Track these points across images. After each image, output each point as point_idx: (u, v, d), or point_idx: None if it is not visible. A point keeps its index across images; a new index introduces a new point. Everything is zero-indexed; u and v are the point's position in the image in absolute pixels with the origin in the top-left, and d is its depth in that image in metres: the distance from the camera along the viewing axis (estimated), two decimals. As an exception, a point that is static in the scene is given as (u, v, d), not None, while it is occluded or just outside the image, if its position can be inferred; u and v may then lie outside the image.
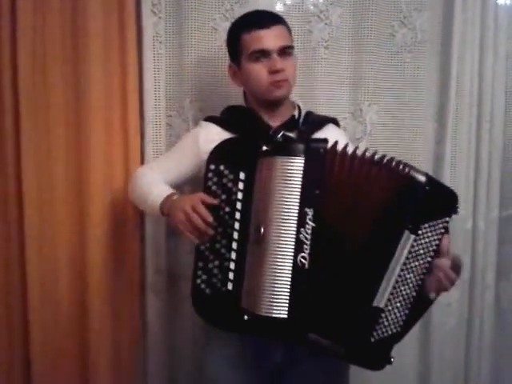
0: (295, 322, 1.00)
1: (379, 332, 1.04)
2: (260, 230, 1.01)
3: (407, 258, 1.03)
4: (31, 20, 1.33)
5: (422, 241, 1.03)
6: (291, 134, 1.18)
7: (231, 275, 1.07)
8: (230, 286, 1.07)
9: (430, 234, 1.03)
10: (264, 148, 1.05)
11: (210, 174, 1.08)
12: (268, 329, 1.03)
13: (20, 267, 1.38)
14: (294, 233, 0.99)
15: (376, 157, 1.04)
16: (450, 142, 1.57)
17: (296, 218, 0.99)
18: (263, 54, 1.16)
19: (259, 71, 1.16)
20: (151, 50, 1.43)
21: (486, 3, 1.58)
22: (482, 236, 1.60)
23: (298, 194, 1.00)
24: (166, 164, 1.27)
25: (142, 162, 1.45)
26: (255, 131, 1.18)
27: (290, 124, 1.22)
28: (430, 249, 1.04)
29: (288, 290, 0.99)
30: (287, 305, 0.99)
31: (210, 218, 1.04)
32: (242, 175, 1.07)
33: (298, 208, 0.99)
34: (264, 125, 1.20)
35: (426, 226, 1.03)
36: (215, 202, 1.06)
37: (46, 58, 1.36)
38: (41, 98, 1.35)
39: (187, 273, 1.49)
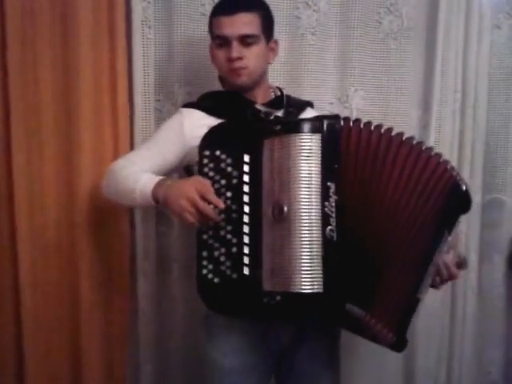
0: (331, 295, 0.95)
1: (412, 319, 1.04)
2: (282, 208, 0.97)
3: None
4: (19, 8, 1.29)
5: (448, 238, 1.04)
6: (280, 114, 1.17)
7: (246, 259, 1.01)
8: (246, 271, 1.00)
9: (452, 232, 1.05)
10: (278, 127, 1.02)
11: (206, 160, 1.04)
12: (300, 306, 0.97)
13: (10, 264, 1.35)
14: (319, 207, 0.96)
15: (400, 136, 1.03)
16: (434, 127, 1.57)
17: (319, 192, 0.97)
18: (224, 40, 1.14)
19: (220, 57, 1.16)
20: (140, 34, 1.40)
21: (471, -8, 1.57)
22: (466, 219, 1.59)
23: (319, 169, 0.98)
24: (149, 154, 1.17)
25: (132, 146, 1.42)
26: (243, 112, 1.14)
27: (276, 103, 1.21)
28: (449, 245, 1.05)
29: (320, 264, 0.95)
30: (321, 278, 0.95)
31: (222, 204, 0.99)
32: (246, 158, 1.03)
33: (320, 183, 0.97)
34: (248, 102, 1.18)
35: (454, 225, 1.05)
36: (211, 189, 1.00)
37: (35, 44, 1.31)
38: (30, 83, 1.31)
39: (177, 255, 1.49)
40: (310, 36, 1.52)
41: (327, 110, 1.53)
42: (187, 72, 1.45)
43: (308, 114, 1.26)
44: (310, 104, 1.32)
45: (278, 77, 1.52)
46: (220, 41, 1.16)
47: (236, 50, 1.13)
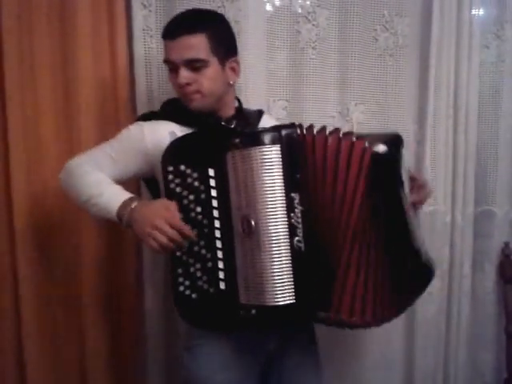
0: (303, 305, 0.96)
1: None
2: (250, 222, 0.95)
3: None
4: (16, 21, 1.20)
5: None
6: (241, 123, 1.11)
7: (221, 274, 0.99)
8: (222, 286, 0.99)
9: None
10: (237, 140, 0.97)
11: (171, 176, 0.98)
12: (275, 318, 0.97)
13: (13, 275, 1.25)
14: (286, 219, 0.95)
15: (341, 132, 0.99)
16: (430, 142, 1.57)
17: (284, 204, 0.95)
18: (172, 65, 1.07)
19: (172, 81, 1.09)
20: (141, 43, 1.33)
21: (462, 13, 1.57)
22: (460, 229, 1.61)
23: (282, 180, 0.95)
24: (110, 160, 1.08)
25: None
26: (206, 122, 1.08)
27: (237, 116, 1.14)
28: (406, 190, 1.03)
29: (291, 275, 0.95)
30: (293, 289, 0.95)
31: (191, 233, 0.97)
32: (211, 172, 0.99)
33: (284, 195, 0.95)
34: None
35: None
36: (179, 214, 0.97)
37: (34, 54, 1.23)
38: (28, 96, 1.23)
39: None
40: (310, 50, 1.49)
41: (329, 124, 1.50)
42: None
43: (266, 120, 1.19)
44: (261, 112, 1.23)
45: (280, 90, 1.49)
46: (169, 65, 1.07)
47: (183, 75, 1.04)
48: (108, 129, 1.30)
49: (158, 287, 1.39)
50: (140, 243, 1.36)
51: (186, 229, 0.96)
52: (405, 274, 1.01)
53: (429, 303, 1.60)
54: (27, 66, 1.22)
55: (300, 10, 1.52)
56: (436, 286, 1.58)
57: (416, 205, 1.13)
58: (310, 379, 1.15)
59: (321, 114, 1.50)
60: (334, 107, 1.53)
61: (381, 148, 0.97)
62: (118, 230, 1.32)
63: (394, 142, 1.01)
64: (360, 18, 1.53)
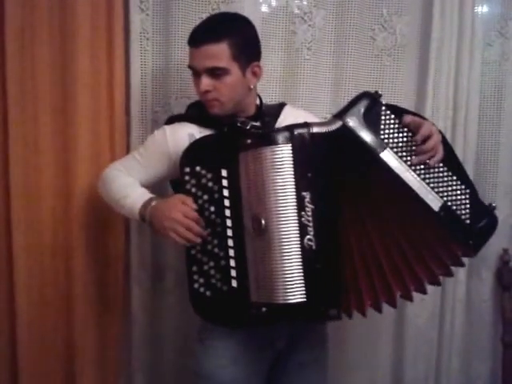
0: (314, 303, 0.96)
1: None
2: (260, 221, 0.96)
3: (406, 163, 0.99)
4: (19, 21, 1.26)
5: (397, 144, 1.00)
6: (257, 124, 1.13)
7: (233, 272, 1.01)
8: (234, 284, 1.01)
9: (393, 135, 1.01)
10: (248, 141, 1.00)
11: (187, 177, 1.02)
12: (286, 316, 0.99)
13: (7, 268, 1.32)
14: (296, 218, 0.95)
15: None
16: (427, 143, 1.55)
17: (295, 204, 0.96)
18: (195, 71, 1.09)
19: (195, 86, 1.11)
20: (138, 46, 1.38)
21: (463, 10, 1.52)
22: None
23: (293, 180, 0.96)
24: (139, 166, 1.15)
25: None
26: (223, 123, 1.11)
27: (257, 115, 1.16)
28: (405, 138, 1.00)
29: (301, 274, 0.95)
30: (303, 288, 0.95)
31: (202, 222, 1.01)
32: (224, 172, 1.02)
33: (295, 193, 0.96)
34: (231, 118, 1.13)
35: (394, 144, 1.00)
36: (194, 206, 1.01)
37: (33, 55, 1.28)
38: (28, 95, 1.29)
39: (172, 264, 1.45)
40: (305, 51, 1.49)
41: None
42: (184, 84, 1.41)
43: (287, 114, 1.20)
44: (283, 105, 1.23)
45: (274, 90, 1.49)
46: (193, 71, 1.10)
47: (204, 83, 1.07)
48: (102, 127, 1.35)
49: (144, 286, 1.43)
50: (128, 241, 1.41)
51: (201, 219, 1.01)
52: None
53: (420, 309, 1.55)
54: (28, 66, 1.28)
55: (296, 11, 1.52)
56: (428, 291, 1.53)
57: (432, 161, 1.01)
58: (312, 379, 1.16)
59: (316, 114, 1.50)
60: (328, 108, 1.52)
61: (314, 129, 0.99)
62: (107, 225, 1.37)
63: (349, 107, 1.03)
64: (358, 17, 1.51)
